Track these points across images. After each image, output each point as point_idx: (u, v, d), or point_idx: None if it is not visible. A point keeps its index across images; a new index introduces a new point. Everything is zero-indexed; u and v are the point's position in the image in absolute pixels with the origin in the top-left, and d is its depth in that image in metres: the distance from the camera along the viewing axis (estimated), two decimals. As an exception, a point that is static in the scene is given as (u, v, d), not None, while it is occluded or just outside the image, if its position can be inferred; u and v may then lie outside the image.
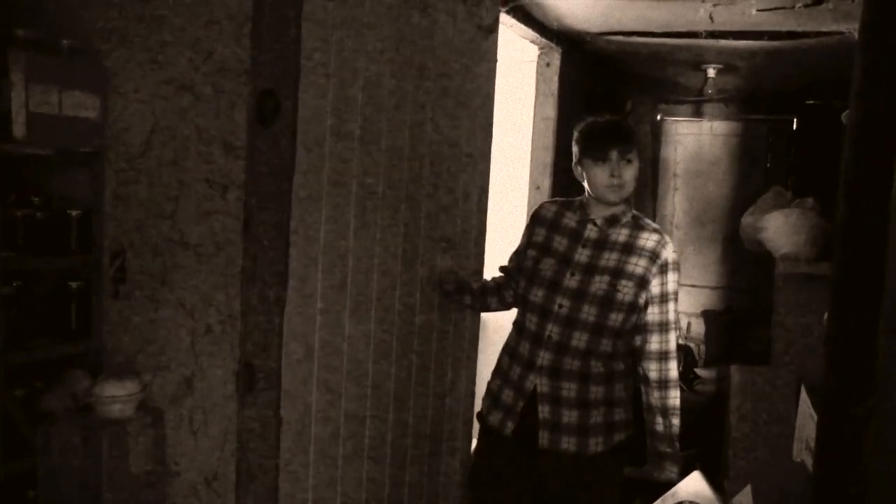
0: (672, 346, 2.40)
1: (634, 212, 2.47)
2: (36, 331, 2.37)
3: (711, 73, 5.19)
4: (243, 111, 2.11)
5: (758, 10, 3.76)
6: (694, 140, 6.81)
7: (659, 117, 6.85)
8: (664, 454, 2.43)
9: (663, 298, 2.38)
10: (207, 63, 2.18)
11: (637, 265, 2.34)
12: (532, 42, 4.41)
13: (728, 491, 3.70)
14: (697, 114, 6.78)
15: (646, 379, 2.42)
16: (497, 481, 2.51)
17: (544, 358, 2.37)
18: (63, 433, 2.21)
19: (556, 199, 2.61)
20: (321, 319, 2.25)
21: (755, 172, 6.54)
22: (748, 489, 3.52)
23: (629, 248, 2.37)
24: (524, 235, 2.57)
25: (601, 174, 2.35)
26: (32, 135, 2.18)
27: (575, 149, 2.44)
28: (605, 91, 5.56)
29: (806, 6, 3.64)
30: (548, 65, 4.60)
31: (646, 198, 6.78)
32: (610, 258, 2.37)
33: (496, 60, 3.03)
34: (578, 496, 2.42)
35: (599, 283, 2.34)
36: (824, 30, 4.01)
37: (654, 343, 2.39)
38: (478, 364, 3.05)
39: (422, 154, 2.61)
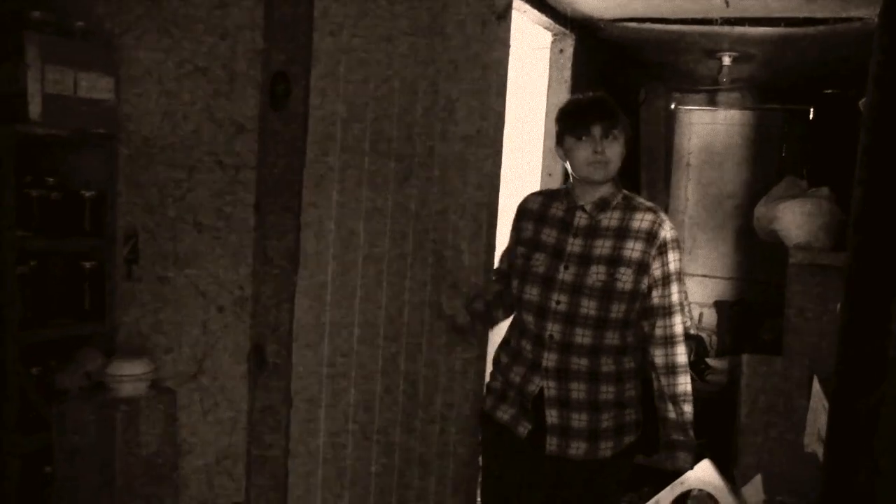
0: (678, 329, 2.29)
1: (625, 192, 2.34)
2: (50, 310, 2.39)
3: (726, 60, 5.15)
4: (255, 93, 2.12)
5: (774, -4, 3.73)
6: (708, 129, 6.77)
7: (673, 106, 6.82)
8: (676, 442, 2.30)
9: (665, 280, 2.25)
10: (220, 45, 2.18)
11: (634, 249, 2.22)
12: (545, 28, 4.39)
13: (738, 480, 3.70)
14: (712, 102, 6.74)
15: (653, 365, 2.32)
16: (516, 492, 2.43)
17: (549, 359, 2.27)
18: (77, 411, 2.24)
19: (542, 190, 2.51)
20: (332, 301, 2.25)
21: (769, 162, 6.50)
22: (758, 478, 3.52)
23: (623, 232, 2.24)
24: (512, 232, 2.47)
25: (583, 151, 2.22)
26: (48, 116, 2.20)
27: (556, 129, 2.32)
28: (619, 79, 5.53)
29: (824, -8, 3.60)
30: (561, 51, 4.58)
31: (659, 187, 6.75)
32: (604, 245, 2.24)
33: (509, 46, 3.01)
34: (584, 499, 2.35)
35: (596, 274, 2.22)
36: (843, 16, 3.97)
37: (658, 328, 2.28)
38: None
39: (433, 139, 2.60)
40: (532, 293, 2.30)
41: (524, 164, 4.55)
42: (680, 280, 2.28)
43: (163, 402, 2.29)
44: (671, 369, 2.29)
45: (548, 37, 4.51)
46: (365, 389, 2.44)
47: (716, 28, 4.34)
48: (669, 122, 6.84)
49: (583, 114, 2.24)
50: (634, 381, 2.34)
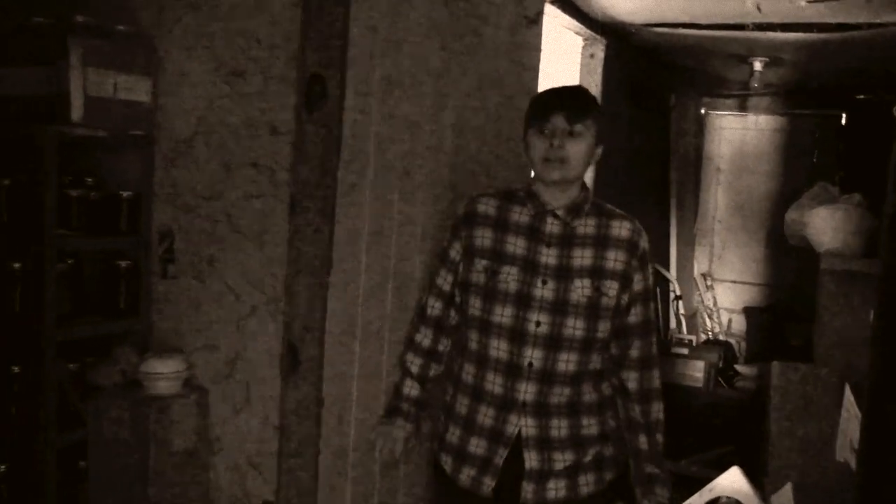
0: (654, 350, 2.01)
1: (592, 196, 2.00)
2: (87, 308, 2.44)
3: (758, 66, 5.12)
4: (291, 96, 2.15)
5: (808, 2, 3.71)
6: (738, 134, 6.73)
7: (703, 111, 6.78)
8: (653, 476, 1.98)
9: (645, 296, 1.98)
10: (256, 48, 2.21)
11: (616, 260, 1.92)
12: (576, 33, 4.40)
13: (767, 489, 3.67)
14: (742, 108, 6.70)
15: (624, 391, 2.00)
16: None
17: (527, 392, 1.91)
18: (111, 407, 2.28)
19: (490, 190, 2.10)
20: (363, 302, 2.27)
21: (800, 168, 6.44)
22: (788, 487, 3.48)
23: (603, 241, 1.94)
24: (454, 241, 2.03)
25: (540, 145, 1.88)
26: (89, 117, 2.24)
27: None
28: (649, 84, 5.51)
29: (859, -3, 3.57)
30: (592, 56, 4.58)
31: (688, 191, 6.72)
32: (584, 255, 1.92)
33: (540, 50, 3.03)
34: None
35: (581, 289, 1.90)
36: (877, 21, 3.93)
37: (635, 349, 1.97)
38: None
39: (465, 141, 2.62)
40: (504, 314, 1.91)
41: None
42: (654, 295, 2.09)
43: (196, 401, 2.33)
44: (646, 395, 1.99)
45: (579, 41, 4.51)
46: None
47: (748, 34, 4.32)
48: (700, 127, 6.81)
49: (545, 103, 1.91)
50: (613, 410, 2.04)
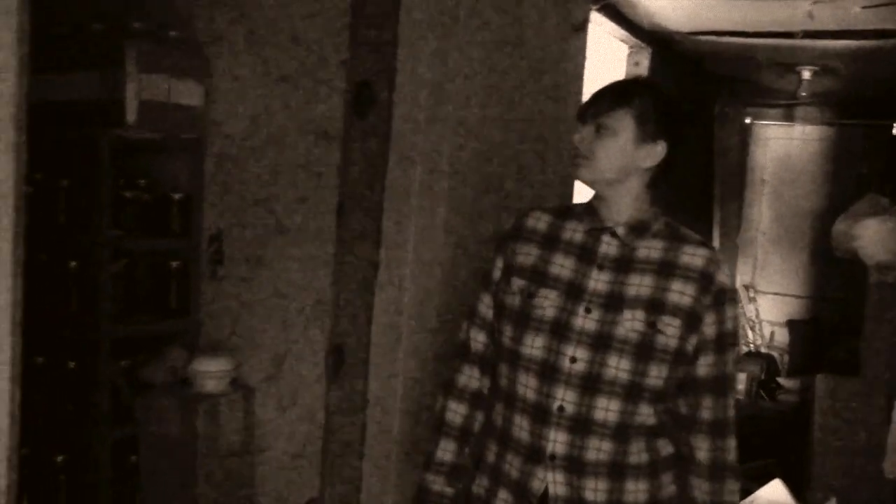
0: (731, 413, 1.64)
1: (666, 217, 1.68)
2: (138, 307, 2.50)
3: (806, 74, 5.07)
4: (340, 100, 2.19)
5: (862, 7, 3.65)
6: (784, 144, 6.65)
7: (748, 121, 6.72)
8: None
9: (720, 344, 1.60)
10: (306, 54, 2.26)
11: (683, 293, 1.57)
12: (622, 41, 4.39)
13: (810, 502, 3.62)
14: (789, 117, 6.62)
15: (691, 461, 1.63)
16: None
17: (556, 442, 1.57)
18: (162, 404, 2.33)
19: (548, 205, 1.84)
20: (409, 304, 2.30)
21: (847, 179, 6.34)
22: (833, 502, 3.44)
23: (668, 269, 1.59)
24: (498, 257, 1.73)
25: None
26: (143, 121, 2.31)
27: None
28: (694, 93, 5.48)
29: (917, 2, 3.52)
30: (636, 64, 4.57)
31: (731, 202, 6.65)
32: (642, 283, 1.58)
33: (585, 58, 3.03)
34: None
35: (631, 322, 1.56)
36: (933, 28, 3.87)
37: (706, 409, 1.61)
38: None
39: (512, 147, 2.63)
40: (535, 345, 1.60)
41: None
42: (736, 346, 1.64)
43: (243, 399, 2.37)
44: (718, 471, 1.63)
45: (624, 50, 4.51)
46: (437, 393, 2.48)
47: (796, 42, 4.28)
48: (744, 138, 6.74)
49: (585, 102, 1.69)
50: (673, 473, 1.67)
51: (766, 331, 6.60)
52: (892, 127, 6.15)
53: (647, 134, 1.59)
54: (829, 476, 3.72)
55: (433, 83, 2.29)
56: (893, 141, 6.15)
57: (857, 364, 3.81)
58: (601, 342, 1.56)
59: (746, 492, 2.97)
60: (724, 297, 1.59)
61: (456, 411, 1.72)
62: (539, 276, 1.63)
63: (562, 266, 1.63)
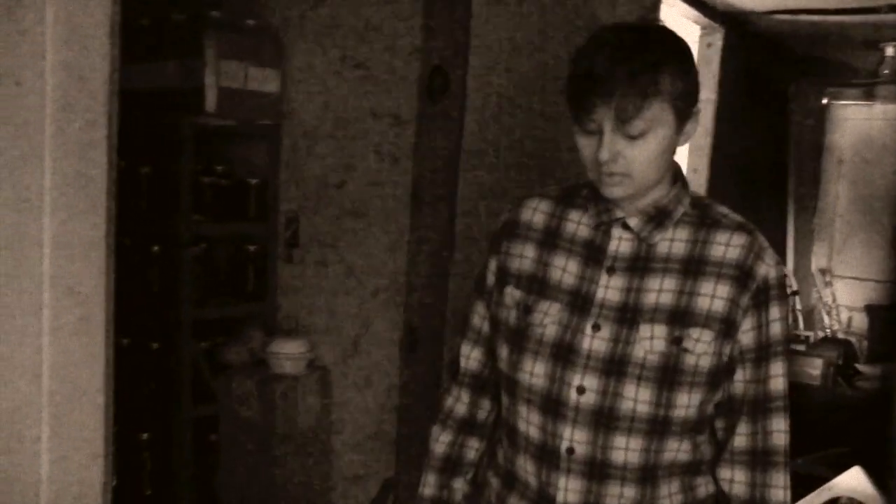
0: (780, 442, 1.27)
1: (694, 193, 1.30)
2: (217, 290, 2.57)
3: (889, 51, 4.89)
4: (413, 86, 2.20)
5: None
6: (863, 124, 6.44)
7: (824, 101, 6.52)
8: None
9: (762, 353, 1.25)
10: (380, 40, 2.28)
11: (716, 297, 1.22)
12: (694, 22, 4.31)
13: (894, 493, 3.52)
14: (868, 97, 6.40)
15: (727, 498, 1.30)
16: None
17: (567, 490, 1.26)
18: (240, 385, 2.40)
19: (548, 190, 1.37)
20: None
21: (931, 160, 6.12)
22: (914, 491, 3.34)
23: (697, 266, 1.24)
24: (491, 260, 1.37)
25: (588, 151, 1.20)
26: (221, 108, 2.37)
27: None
28: (767, 73, 5.35)
29: None
30: (709, 45, 4.48)
31: (807, 184, 6.48)
32: (663, 289, 1.24)
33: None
34: None
35: (650, 340, 1.22)
36: None
37: (743, 436, 1.27)
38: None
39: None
40: (535, 373, 1.27)
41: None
42: (785, 353, 1.28)
43: (319, 380, 2.42)
44: None
45: (696, 31, 4.42)
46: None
47: (880, 16, 4.12)
48: (820, 118, 6.55)
49: (581, 84, 1.16)
50: None
51: (844, 316, 6.43)
52: (980, 105, 5.90)
53: (686, 111, 1.19)
54: (911, 466, 3.62)
55: (505, 67, 2.29)
56: (981, 120, 5.90)
57: (940, 351, 3.69)
58: (614, 367, 1.23)
59: (823, 479, 2.91)
60: (766, 296, 1.24)
61: (438, 439, 1.43)
62: (537, 285, 1.29)
63: (564, 270, 1.28)
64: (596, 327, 1.24)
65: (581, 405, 1.23)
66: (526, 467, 1.30)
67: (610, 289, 1.25)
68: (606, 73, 1.12)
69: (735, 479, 1.29)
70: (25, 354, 1.40)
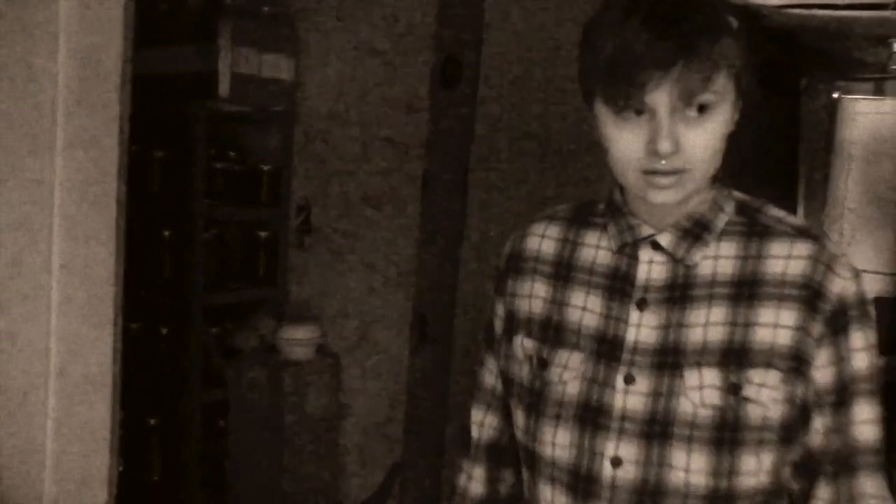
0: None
1: (738, 195, 1.02)
2: (229, 276, 2.58)
3: (899, 47, 4.87)
4: (427, 75, 2.20)
5: (961, -23, 3.49)
6: (874, 119, 6.41)
7: (836, 95, 6.50)
8: None
9: (843, 394, 0.95)
10: (394, 28, 2.28)
11: (778, 325, 0.93)
12: (706, 13, 4.29)
13: None
14: (879, 91, 6.38)
15: None
16: None
17: None
18: (250, 370, 2.41)
19: (557, 209, 1.10)
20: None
21: (942, 156, 6.10)
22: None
23: (751, 289, 0.94)
24: (497, 304, 1.09)
25: (632, 143, 0.90)
26: (235, 94, 2.37)
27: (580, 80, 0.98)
28: (778, 68, 5.33)
29: None
30: (721, 37, 4.47)
31: (817, 178, 6.47)
32: (710, 321, 0.94)
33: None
34: None
35: (702, 390, 0.93)
36: None
37: (821, 501, 0.96)
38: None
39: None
40: (558, 443, 0.99)
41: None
42: (873, 384, 0.97)
43: (328, 367, 2.43)
44: None
45: (707, 22, 4.41)
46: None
47: (889, 13, 4.11)
48: (831, 112, 6.53)
49: (627, 56, 0.86)
50: None
51: (850, 312, 6.43)
52: None
53: (744, 89, 0.97)
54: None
55: (518, 57, 2.29)
56: None
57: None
58: (657, 429, 0.95)
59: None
60: (845, 319, 0.94)
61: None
62: (553, 332, 1.02)
63: (584, 310, 1.00)
64: (629, 379, 0.96)
65: (618, 481, 0.95)
66: None
67: (643, 328, 0.97)
68: (661, 37, 0.85)
69: None
70: (34, 337, 1.40)
